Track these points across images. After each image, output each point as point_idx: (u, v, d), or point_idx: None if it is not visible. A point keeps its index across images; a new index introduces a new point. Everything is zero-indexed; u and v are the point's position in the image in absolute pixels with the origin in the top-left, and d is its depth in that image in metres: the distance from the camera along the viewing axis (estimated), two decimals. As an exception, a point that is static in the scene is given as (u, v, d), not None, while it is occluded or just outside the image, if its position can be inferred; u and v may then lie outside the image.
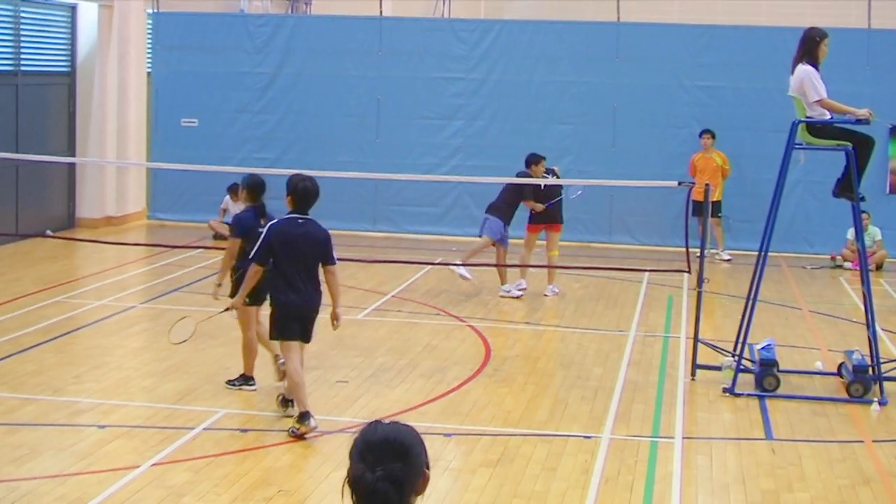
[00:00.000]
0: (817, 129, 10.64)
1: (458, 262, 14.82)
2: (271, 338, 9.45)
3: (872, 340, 10.81)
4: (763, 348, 11.01)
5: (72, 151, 19.39)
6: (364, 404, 9.99)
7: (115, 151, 19.80)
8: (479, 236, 15.10)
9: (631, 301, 14.93)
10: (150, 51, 20.65)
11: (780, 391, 10.67)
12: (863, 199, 10.84)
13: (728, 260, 18.18)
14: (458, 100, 19.84)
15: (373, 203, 20.06)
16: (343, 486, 3.26)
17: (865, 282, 10.88)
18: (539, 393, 10.59)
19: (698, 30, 19.46)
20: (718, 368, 10.98)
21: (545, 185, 14.82)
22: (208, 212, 19.35)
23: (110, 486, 7.84)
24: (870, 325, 10.81)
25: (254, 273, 9.30)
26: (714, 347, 11.51)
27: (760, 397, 10.55)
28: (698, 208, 14.44)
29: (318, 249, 9.18)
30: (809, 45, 10.62)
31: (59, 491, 7.75)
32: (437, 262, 15.62)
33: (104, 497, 7.67)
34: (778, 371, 10.84)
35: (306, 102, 20.16)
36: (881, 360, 10.74)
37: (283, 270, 9.13)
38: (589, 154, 19.21)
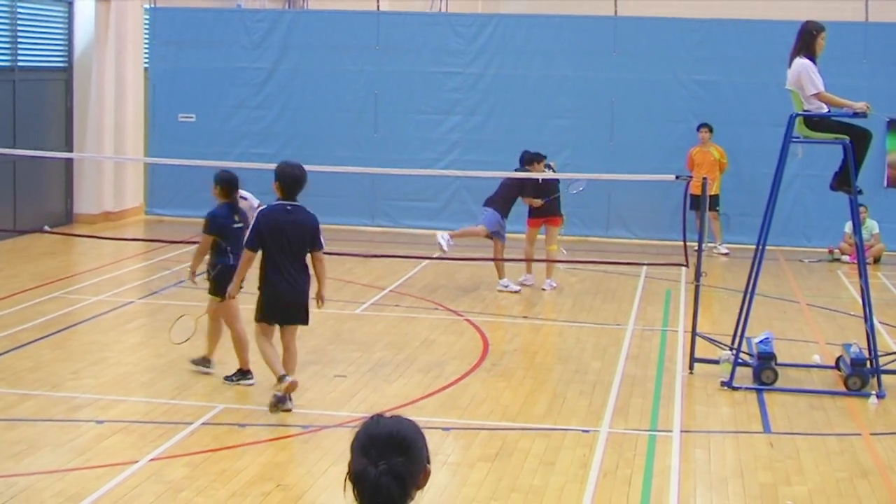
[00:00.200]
0: (815, 122, 10.64)
1: (448, 234, 14.85)
2: (255, 319, 9.61)
3: (870, 334, 10.82)
4: (761, 342, 11.02)
5: (69, 147, 19.37)
6: (362, 399, 10.00)
7: (112, 147, 19.78)
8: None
9: (629, 295, 14.93)
10: (147, 46, 20.62)
11: (777, 384, 10.68)
12: (860, 192, 10.86)
13: (726, 254, 18.18)
14: (456, 94, 19.82)
15: (370, 198, 20.04)
16: (344, 481, 3.26)
17: (863, 275, 10.87)
18: (537, 387, 10.59)
19: (695, 24, 19.43)
20: (716, 362, 10.99)
21: (543, 180, 14.82)
22: (206, 207, 19.10)
23: (109, 482, 7.85)
24: (867, 318, 10.81)
25: (247, 259, 9.49)
26: (712, 341, 11.51)
27: (758, 391, 10.56)
28: (696, 202, 14.42)
29: (307, 236, 9.34)
30: (807, 39, 10.62)
31: (58, 486, 7.75)
32: (434, 256, 15.61)
33: (103, 492, 7.68)
34: (776, 364, 10.85)
35: (304, 97, 20.14)
36: (879, 354, 10.75)
37: (271, 257, 9.31)
38: (586, 148, 19.19)
